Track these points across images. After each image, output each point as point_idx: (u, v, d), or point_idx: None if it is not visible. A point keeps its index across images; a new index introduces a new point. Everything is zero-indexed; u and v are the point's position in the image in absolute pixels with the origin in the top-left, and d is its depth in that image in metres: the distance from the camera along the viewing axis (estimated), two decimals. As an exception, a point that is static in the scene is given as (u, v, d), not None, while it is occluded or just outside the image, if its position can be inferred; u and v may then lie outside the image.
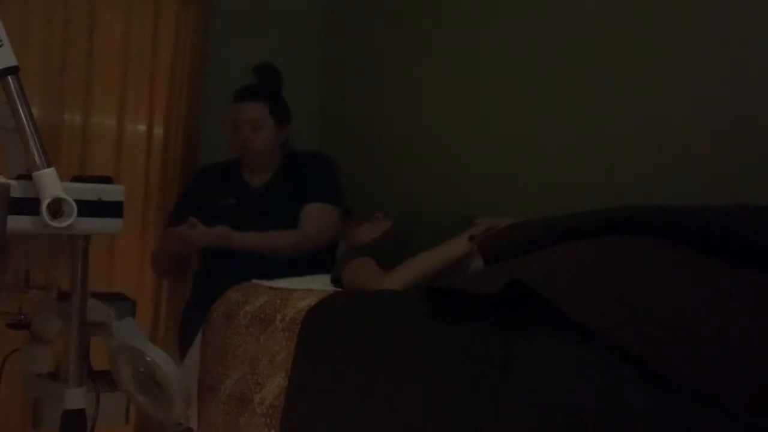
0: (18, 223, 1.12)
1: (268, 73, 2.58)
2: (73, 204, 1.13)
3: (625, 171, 2.12)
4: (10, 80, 1.13)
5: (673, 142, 2.02)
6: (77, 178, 1.21)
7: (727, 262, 1.30)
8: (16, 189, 1.12)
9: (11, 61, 1.13)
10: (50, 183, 1.12)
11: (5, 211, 1.10)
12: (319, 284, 2.09)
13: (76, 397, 1.21)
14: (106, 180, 1.23)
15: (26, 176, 1.13)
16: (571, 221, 1.54)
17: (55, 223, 1.12)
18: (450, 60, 2.68)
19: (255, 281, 2.14)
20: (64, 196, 1.13)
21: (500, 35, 2.51)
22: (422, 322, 1.46)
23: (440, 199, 2.64)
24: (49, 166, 1.13)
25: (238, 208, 2.46)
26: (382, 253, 2.08)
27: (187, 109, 2.77)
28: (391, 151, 2.88)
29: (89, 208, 1.16)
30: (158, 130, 2.73)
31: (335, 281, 2.12)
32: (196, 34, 2.78)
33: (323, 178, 2.55)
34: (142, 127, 2.71)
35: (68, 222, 1.13)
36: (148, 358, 1.27)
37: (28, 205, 1.12)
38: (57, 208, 1.13)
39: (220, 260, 2.41)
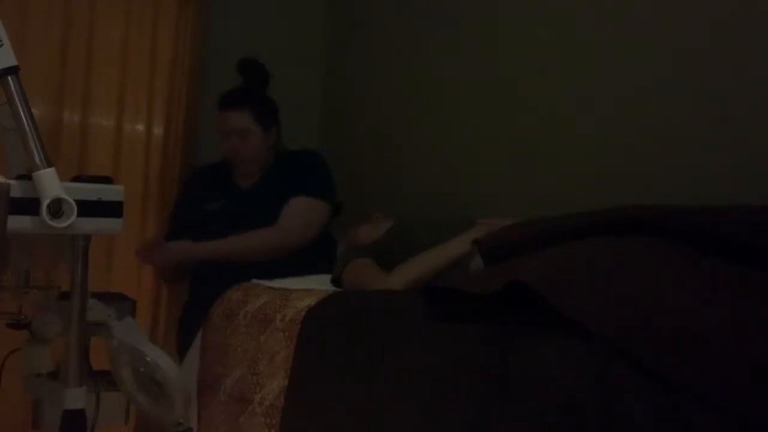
0: (18, 223, 1.12)
1: (253, 69, 2.55)
2: (73, 204, 1.13)
3: (625, 171, 2.12)
4: (10, 80, 1.13)
5: (674, 142, 2.02)
6: (77, 178, 1.21)
7: (727, 262, 1.30)
8: (16, 189, 1.12)
9: (11, 61, 1.13)
10: (50, 183, 1.12)
11: (5, 211, 1.10)
12: (319, 284, 2.09)
13: (76, 397, 1.21)
14: (106, 180, 1.23)
15: (26, 176, 1.13)
16: (571, 221, 1.54)
17: (55, 223, 1.12)
18: (450, 59, 2.68)
19: (255, 281, 2.14)
20: (64, 196, 1.13)
21: (501, 35, 2.51)
22: (422, 322, 1.45)
23: (440, 199, 2.64)
24: (49, 166, 1.13)
25: (228, 210, 2.45)
26: (382, 253, 2.08)
27: (186, 109, 2.78)
28: (391, 151, 2.88)
29: (89, 208, 1.17)
30: (157, 130, 2.74)
31: (335, 281, 2.12)
32: (196, 33, 2.78)
33: (307, 171, 2.51)
34: (141, 127, 2.71)
35: (68, 222, 1.13)
36: (148, 358, 1.27)
37: (28, 205, 1.12)
38: (57, 208, 1.13)
39: (213, 263, 2.41)
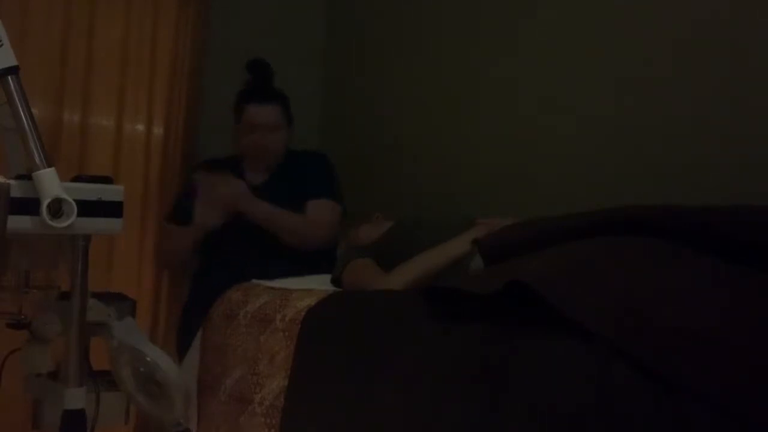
0: (18, 223, 1.12)
1: (262, 69, 2.58)
2: (73, 204, 1.13)
3: (626, 171, 2.12)
4: (10, 80, 1.13)
5: (674, 142, 2.02)
6: (77, 178, 1.21)
7: (727, 262, 1.30)
8: (16, 189, 1.12)
9: (11, 61, 1.13)
10: (50, 183, 1.12)
11: (5, 211, 1.10)
12: (319, 284, 2.09)
13: (76, 397, 1.21)
14: (106, 180, 1.23)
15: (26, 176, 1.13)
16: (571, 221, 1.54)
17: (55, 223, 1.12)
18: (451, 59, 2.68)
19: (255, 281, 2.14)
20: (64, 196, 1.13)
21: (501, 34, 2.51)
22: (422, 322, 1.46)
23: (440, 199, 2.64)
24: (49, 166, 1.13)
25: None
26: (382, 253, 2.08)
27: (186, 109, 2.77)
28: (391, 151, 2.88)
29: (89, 208, 1.16)
30: (157, 130, 2.73)
31: (335, 281, 2.12)
32: (196, 33, 2.78)
33: (325, 175, 2.56)
34: (141, 127, 2.71)
35: (68, 222, 1.13)
36: (148, 358, 1.27)
37: (28, 205, 1.12)
38: (57, 208, 1.12)
39: (219, 260, 2.41)
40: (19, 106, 1.13)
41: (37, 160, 1.12)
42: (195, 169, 2.68)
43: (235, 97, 2.57)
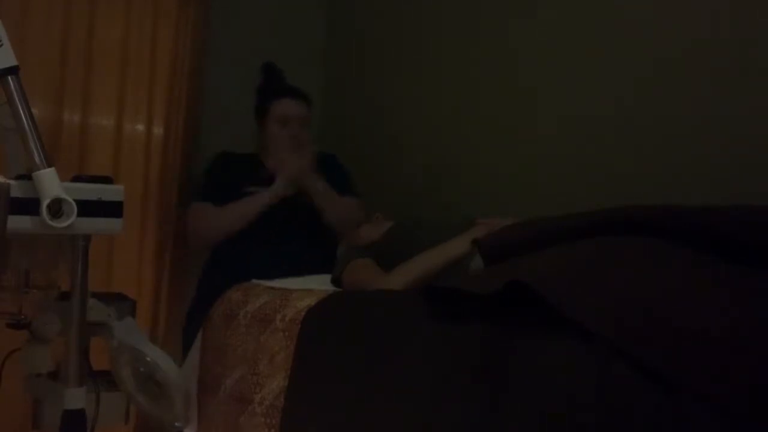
0: (18, 223, 1.12)
1: (277, 71, 2.65)
2: (73, 204, 1.13)
3: (626, 171, 2.12)
4: (10, 80, 1.13)
5: (674, 142, 2.02)
6: (77, 178, 1.21)
7: (727, 262, 1.30)
8: (16, 189, 1.12)
9: (11, 61, 1.13)
10: (50, 183, 1.12)
11: (5, 211, 1.11)
12: (319, 284, 2.09)
13: (76, 397, 1.21)
14: (106, 180, 1.23)
15: (26, 176, 1.13)
16: (571, 221, 1.54)
17: (55, 223, 1.12)
18: (451, 59, 2.68)
19: (255, 281, 2.14)
20: (64, 196, 1.13)
21: (501, 34, 2.51)
22: (422, 322, 1.45)
23: (441, 199, 2.64)
24: (49, 166, 1.13)
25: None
26: (382, 253, 2.08)
27: (186, 109, 2.77)
28: (392, 151, 2.88)
29: (89, 208, 1.17)
30: (157, 130, 2.73)
31: (335, 281, 2.12)
32: (196, 33, 2.78)
33: (346, 175, 2.65)
34: (141, 127, 2.71)
35: (68, 222, 1.13)
36: (148, 358, 1.27)
37: (28, 205, 1.12)
38: (57, 208, 1.13)
39: (225, 262, 2.41)
40: (19, 106, 1.13)
41: (37, 160, 1.13)
42: (212, 160, 2.65)
43: (259, 97, 2.60)
